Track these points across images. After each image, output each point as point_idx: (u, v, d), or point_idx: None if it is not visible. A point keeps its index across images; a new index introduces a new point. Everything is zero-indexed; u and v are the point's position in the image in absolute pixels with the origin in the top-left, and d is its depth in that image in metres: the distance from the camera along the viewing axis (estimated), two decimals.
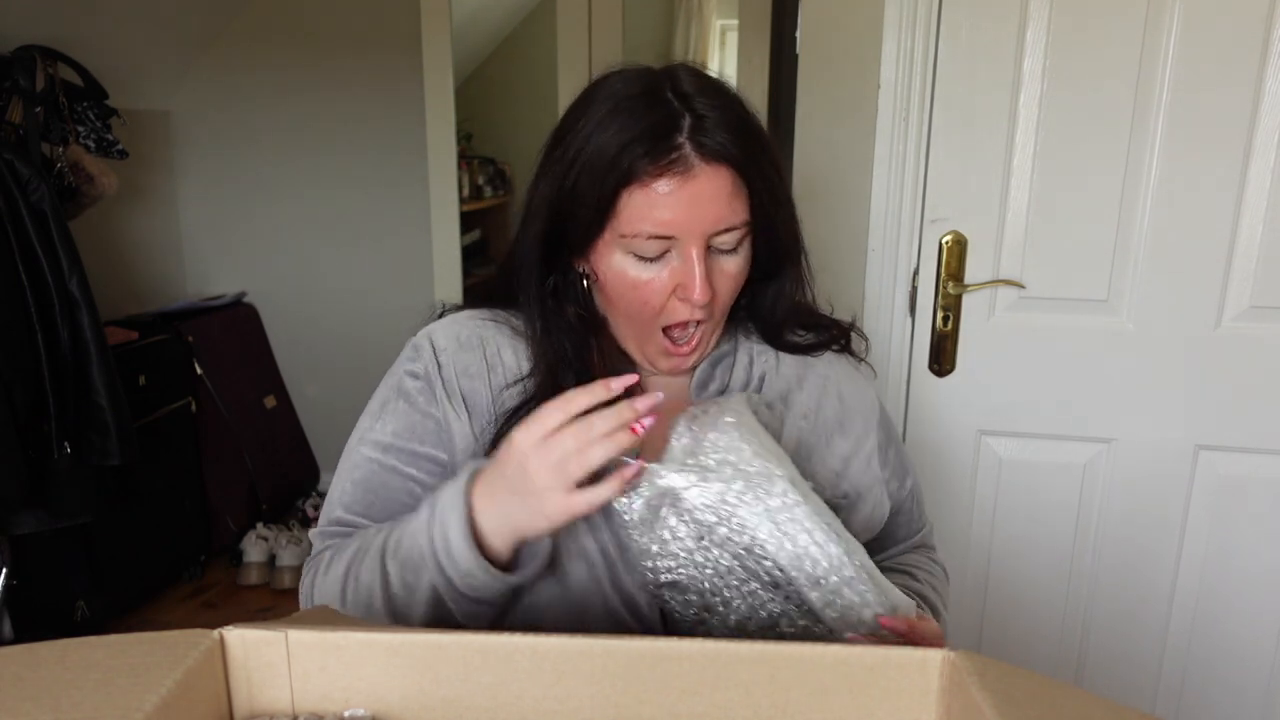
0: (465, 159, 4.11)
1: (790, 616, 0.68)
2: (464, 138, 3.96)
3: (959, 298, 1.56)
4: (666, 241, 0.77)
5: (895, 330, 1.60)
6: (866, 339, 0.99)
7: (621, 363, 0.88)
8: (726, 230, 0.78)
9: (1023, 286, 1.53)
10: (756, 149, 0.78)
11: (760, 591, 0.68)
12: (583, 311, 0.86)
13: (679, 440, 0.71)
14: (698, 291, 0.77)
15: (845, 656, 0.52)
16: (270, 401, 3.09)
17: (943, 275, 1.55)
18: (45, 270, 2.00)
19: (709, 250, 0.79)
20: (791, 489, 0.67)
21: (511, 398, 0.84)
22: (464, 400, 0.84)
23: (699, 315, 0.81)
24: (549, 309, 0.85)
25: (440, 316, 0.92)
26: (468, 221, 3.29)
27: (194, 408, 2.77)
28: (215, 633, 0.51)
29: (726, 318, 0.87)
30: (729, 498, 0.66)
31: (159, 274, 3.10)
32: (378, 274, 3.16)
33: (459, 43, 3.20)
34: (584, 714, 0.52)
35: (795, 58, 1.60)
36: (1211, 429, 1.53)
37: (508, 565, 0.72)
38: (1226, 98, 1.40)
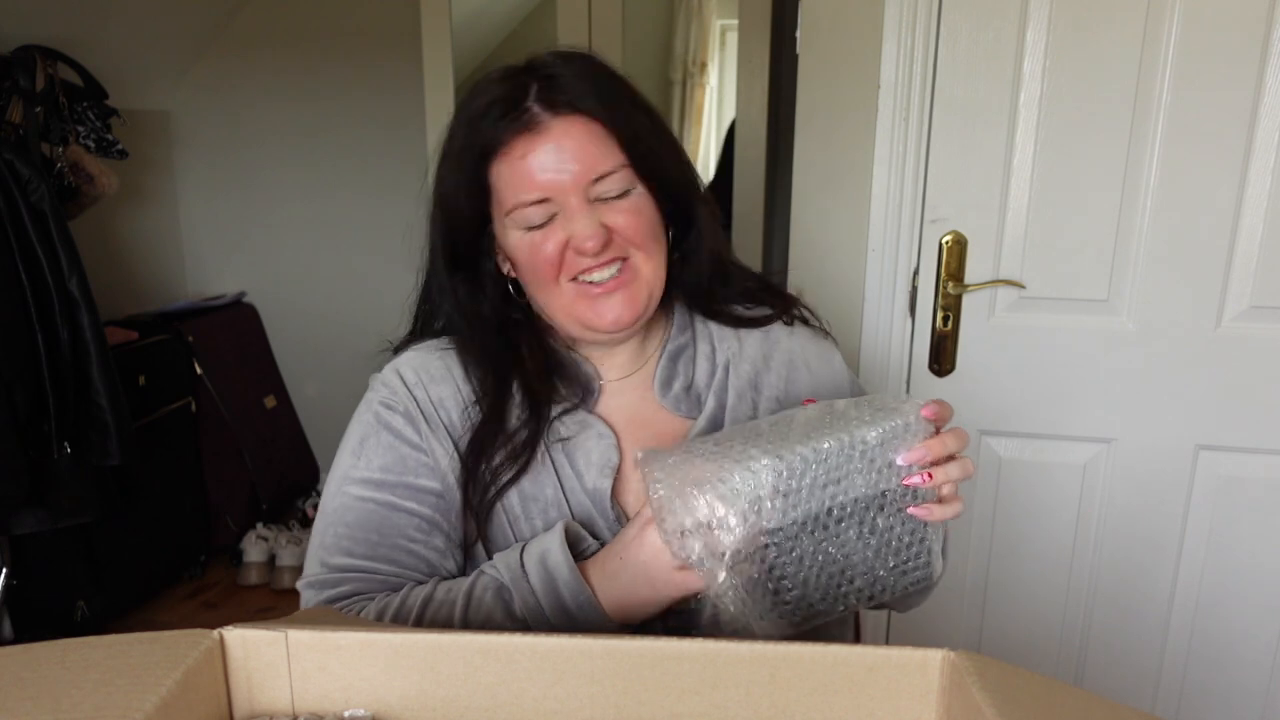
0: None
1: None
2: None
3: (959, 298, 1.56)
4: (546, 205, 0.77)
5: (895, 330, 1.60)
6: (813, 311, 0.96)
7: (552, 354, 0.86)
8: (601, 177, 0.77)
9: (1023, 286, 1.53)
10: (615, 94, 0.78)
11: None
12: (499, 306, 0.85)
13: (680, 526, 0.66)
14: (588, 241, 0.76)
15: (845, 656, 0.52)
16: (270, 401, 3.09)
17: (943, 275, 1.55)
18: (45, 270, 2.00)
19: (595, 200, 0.77)
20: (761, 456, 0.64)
21: (476, 415, 0.83)
22: (446, 432, 0.83)
23: (602, 260, 0.78)
24: (470, 316, 0.85)
25: (396, 351, 0.90)
26: None
27: (194, 408, 2.77)
28: (215, 633, 0.51)
29: (663, 283, 0.83)
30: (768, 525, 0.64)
31: (159, 274, 3.10)
32: (377, 274, 3.15)
33: (459, 43, 3.20)
34: (584, 714, 0.52)
35: (795, 58, 1.60)
36: (1211, 429, 1.53)
37: None
38: (1226, 98, 1.40)
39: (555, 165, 0.75)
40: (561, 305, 0.81)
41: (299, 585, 0.84)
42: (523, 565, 0.75)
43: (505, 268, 0.84)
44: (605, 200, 0.78)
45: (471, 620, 0.75)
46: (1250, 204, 1.43)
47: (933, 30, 1.47)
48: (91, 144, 2.35)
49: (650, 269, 0.81)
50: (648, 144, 0.78)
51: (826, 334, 0.95)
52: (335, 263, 3.17)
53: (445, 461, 0.82)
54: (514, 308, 0.86)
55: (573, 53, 0.80)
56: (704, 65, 4.04)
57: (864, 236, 1.57)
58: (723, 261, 0.89)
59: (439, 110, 2.97)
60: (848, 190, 1.57)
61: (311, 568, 0.83)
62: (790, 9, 1.87)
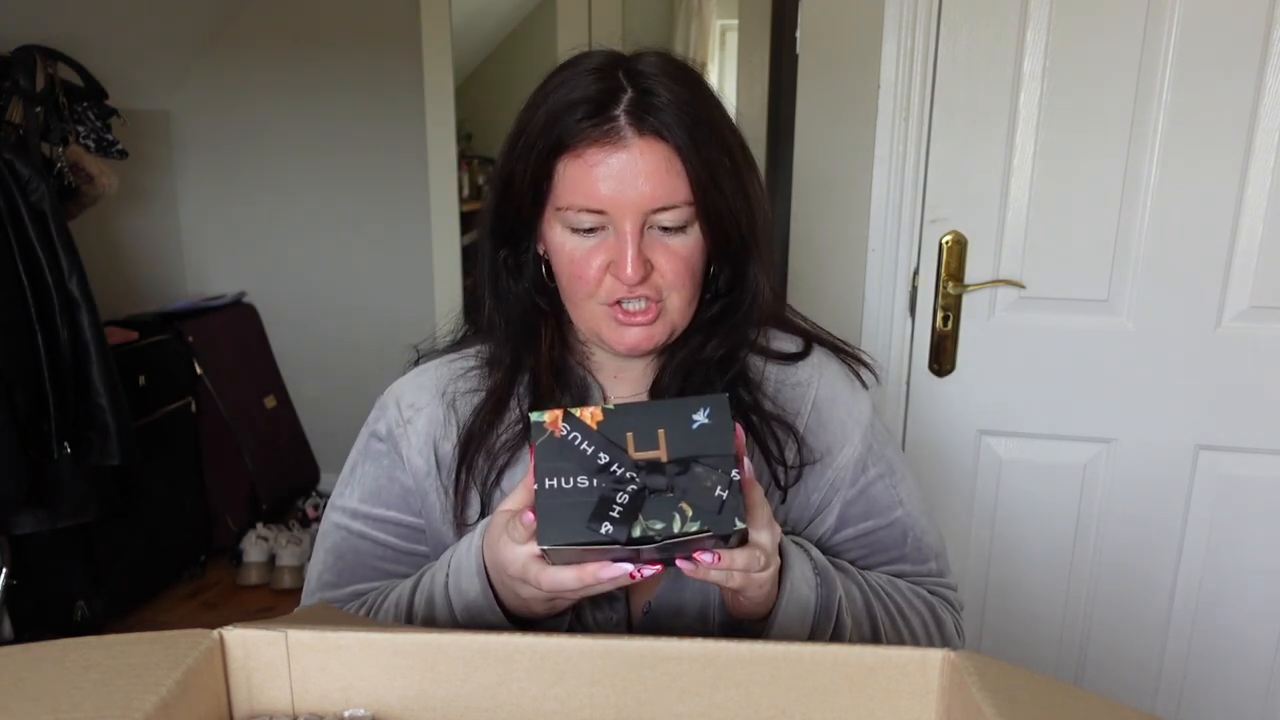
0: (465, 159, 4.11)
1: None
2: (464, 138, 3.96)
3: (959, 298, 1.56)
4: (600, 216, 0.75)
5: (895, 330, 1.60)
6: (869, 365, 0.91)
7: (569, 354, 0.85)
8: (663, 209, 0.75)
9: (1023, 286, 1.53)
10: (704, 132, 0.75)
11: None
12: (534, 293, 0.84)
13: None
14: (628, 269, 0.74)
15: (845, 656, 0.52)
16: (270, 401, 3.09)
17: (943, 275, 1.55)
18: (45, 270, 2.00)
19: (649, 229, 0.76)
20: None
21: (470, 421, 0.83)
22: (435, 455, 0.83)
23: (637, 293, 0.77)
24: (501, 285, 0.84)
25: (417, 362, 0.90)
26: (468, 221, 3.29)
27: (194, 408, 2.77)
28: (215, 633, 0.51)
29: (689, 319, 0.81)
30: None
31: (159, 274, 3.10)
32: (378, 274, 3.16)
33: (459, 43, 3.20)
34: (584, 714, 0.52)
35: (795, 58, 1.60)
36: (1211, 429, 1.53)
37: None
38: (1226, 98, 1.40)
39: (621, 184, 0.73)
40: (587, 316, 0.80)
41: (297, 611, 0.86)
42: (448, 591, 0.74)
43: (542, 248, 0.83)
44: (659, 231, 0.76)
45: (417, 612, 0.77)
46: (1250, 204, 1.43)
47: (933, 30, 1.47)
48: (91, 144, 2.35)
49: (679, 309, 0.80)
50: (720, 191, 0.76)
51: (857, 376, 0.89)
52: (335, 262, 3.17)
53: (430, 485, 0.83)
54: (543, 296, 0.85)
55: (681, 70, 0.78)
56: (704, 65, 4.04)
57: (864, 236, 1.57)
58: (764, 319, 0.86)
59: (439, 110, 2.98)
60: (847, 190, 1.57)
61: (308, 596, 0.87)
62: (790, 9, 1.87)
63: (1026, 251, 1.52)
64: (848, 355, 0.90)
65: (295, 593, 2.66)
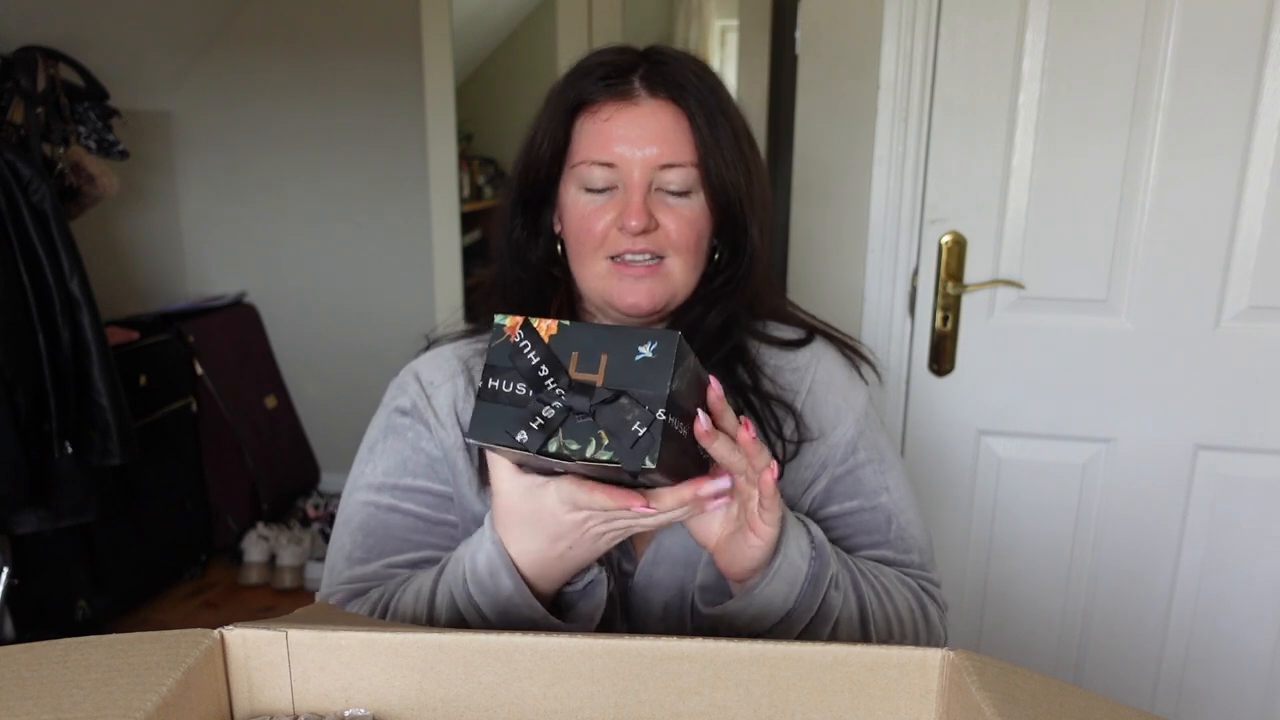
0: (465, 159, 4.11)
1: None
2: (464, 138, 3.96)
3: (958, 298, 1.56)
4: (612, 172, 0.80)
5: (895, 330, 1.61)
6: (870, 360, 0.93)
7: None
8: (669, 166, 0.79)
9: (1022, 286, 1.53)
10: (711, 102, 0.81)
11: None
12: (548, 263, 0.87)
13: None
14: (634, 215, 0.79)
15: (845, 656, 0.52)
16: (270, 401, 3.09)
17: (942, 275, 1.55)
18: (46, 270, 2.00)
19: (656, 189, 0.81)
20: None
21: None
22: (459, 424, 0.85)
23: (639, 246, 0.80)
24: (517, 256, 0.88)
25: (427, 348, 0.92)
26: (468, 221, 3.30)
27: (195, 408, 2.77)
28: (216, 632, 0.51)
29: (690, 290, 0.84)
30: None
31: (159, 274, 3.10)
32: (378, 274, 3.16)
33: (459, 43, 3.20)
34: (584, 714, 0.53)
35: (795, 58, 1.60)
36: (1211, 429, 1.53)
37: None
38: (1226, 98, 1.40)
39: (631, 138, 0.79)
40: (593, 275, 0.84)
41: (328, 598, 0.83)
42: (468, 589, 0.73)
43: (558, 227, 0.87)
44: (665, 193, 0.81)
45: (439, 613, 0.75)
46: (1249, 204, 1.43)
47: (932, 30, 1.47)
48: (93, 144, 2.35)
49: (681, 275, 0.83)
50: (723, 158, 0.81)
51: (857, 368, 0.92)
52: (336, 262, 3.18)
53: (458, 457, 0.84)
54: (556, 266, 0.89)
55: (695, 58, 0.84)
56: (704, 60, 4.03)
57: (864, 236, 1.58)
58: (760, 305, 0.89)
59: (439, 110, 2.98)
60: (847, 190, 1.57)
61: (334, 578, 0.84)
62: (790, 9, 1.87)
63: (1026, 251, 1.52)
64: (849, 349, 0.93)
65: (296, 593, 2.67)
